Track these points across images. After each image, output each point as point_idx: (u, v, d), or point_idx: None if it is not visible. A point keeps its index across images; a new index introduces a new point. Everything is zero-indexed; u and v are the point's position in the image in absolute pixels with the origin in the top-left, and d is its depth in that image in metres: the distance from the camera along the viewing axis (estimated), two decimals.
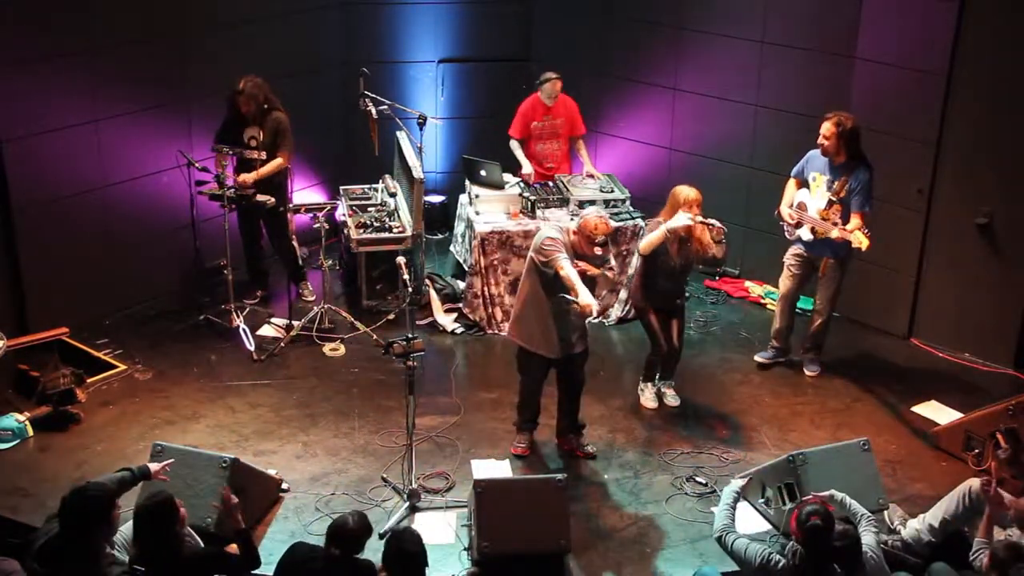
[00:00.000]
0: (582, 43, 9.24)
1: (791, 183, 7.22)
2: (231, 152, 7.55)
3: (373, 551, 5.48)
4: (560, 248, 5.96)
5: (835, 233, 6.80)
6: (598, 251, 6.05)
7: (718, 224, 6.53)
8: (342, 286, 8.50)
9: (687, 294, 6.96)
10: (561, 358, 6.27)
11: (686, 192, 6.55)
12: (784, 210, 7.19)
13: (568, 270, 5.86)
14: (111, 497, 4.56)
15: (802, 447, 6.05)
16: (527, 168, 8.44)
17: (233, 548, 5.32)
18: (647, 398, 7.03)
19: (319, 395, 7.03)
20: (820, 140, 6.90)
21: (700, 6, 8.58)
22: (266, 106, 7.67)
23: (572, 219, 7.32)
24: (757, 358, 7.51)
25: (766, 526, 5.80)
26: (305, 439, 6.56)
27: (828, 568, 4.67)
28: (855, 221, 6.82)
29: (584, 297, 5.81)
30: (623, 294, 8.07)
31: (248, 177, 7.61)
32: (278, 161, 7.77)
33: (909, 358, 7.73)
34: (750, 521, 5.90)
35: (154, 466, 5.16)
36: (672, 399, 7.05)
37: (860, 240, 6.70)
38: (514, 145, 8.49)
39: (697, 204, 6.52)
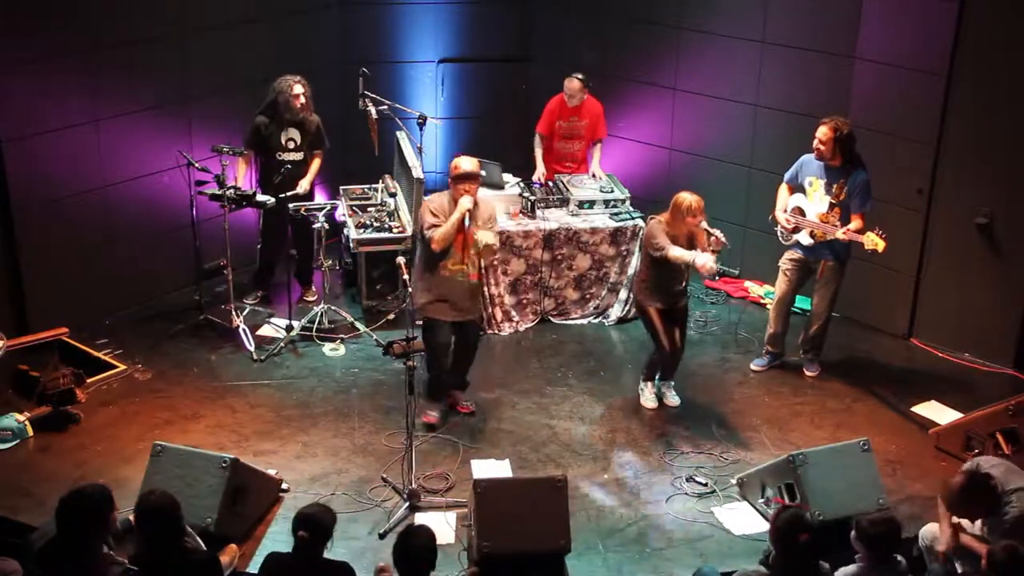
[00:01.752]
0: (582, 43, 9.23)
1: (783, 188, 7.21)
2: (232, 152, 7.54)
3: (374, 551, 5.51)
4: (428, 213, 6.41)
5: (840, 234, 6.78)
6: (462, 188, 6.35)
7: (719, 236, 6.41)
8: (342, 286, 8.50)
9: (688, 292, 6.94)
10: (457, 324, 6.59)
11: (688, 201, 6.47)
12: (780, 215, 7.18)
13: (439, 232, 6.32)
14: (109, 497, 4.56)
15: (802, 447, 6.05)
16: (539, 172, 8.45)
17: (232, 548, 5.34)
18: (647, 398, 7.03)
19: (319, 395, 7.03)
20: (816, 144, 6.89)
21: (700, 6, 8.58)
22: None
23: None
24: (753, 366, 7.49)
25: (766, 526, 5.79)
26: (305, 439, 6.56)
27: (806, 566, 4.68)
28: (856, 223, 6.82)
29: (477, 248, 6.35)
30: (623, 294, 8.07)
31: (305, 184, 7.74)
32: (319, 161, 7.93)
33: (909, 358, 7.73)
34: (750, 521, 5.90)
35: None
36: (672, 399, 7.05)
37: (875, 242, 6.65)
38: (536, 142, 8.53)
39: (700, 211, 6.49)
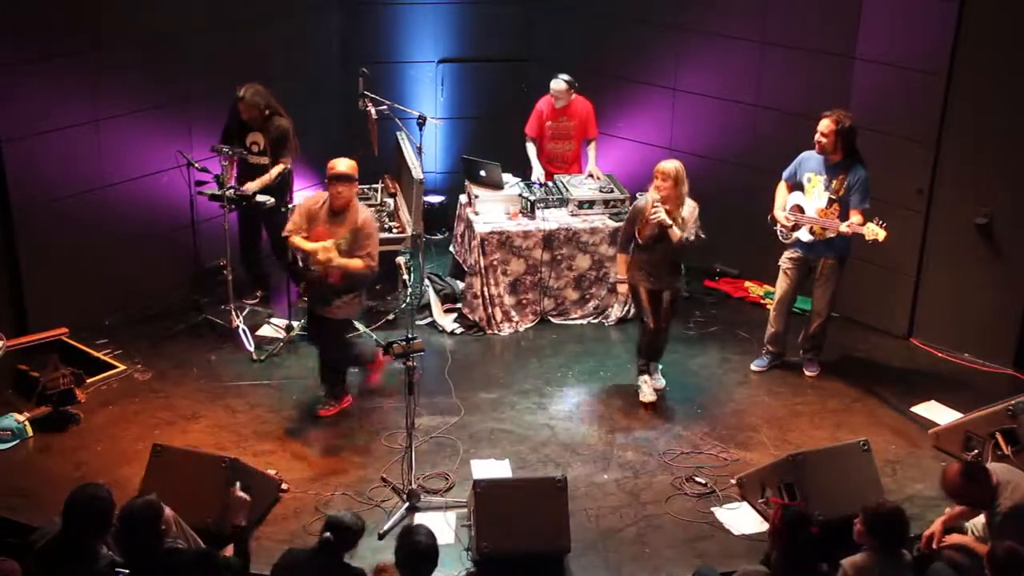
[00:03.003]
0: (582, 43, 9.23)
1: (782, 186, 7.20)
2: (231, 152, 7.55)
3: (373, 551, 5.51)
4: (294, 217, 6.58)
5: (843, 227, 6.77)
6: (334, 190, 6.39)
7: (657, 215, 6.60)
8: None
9: (683, 290, 6.94)
10: (316, 316, 6.67)
11: (658, 166, 6.72)
12: (778, 213, 7.17)
13: (293, 239, 6.49)
14: (112, 499, 4.57)
15: (802, 447, 6.06)
16: (536, 173, 8.46)
17: (230, 550, 5.33)
18: (645, 393, 7.02)
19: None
20: (818, 138, 6.87)
21: (700, 6, 8.57)
22: (267, 112, 7.67)
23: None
24: (753, 367, 7.47)
25: (766, 526, 5.79)
26: (305, 439, 6.56)
27: (810, 565, 4.67)
28: (856, 218, 6.81)
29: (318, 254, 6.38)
30: (623, 290, 8.06)
31: (251, 186, 7.67)
32: (279, 168, 7.78)
33: (909, 358, 7.72)
34: (750, 521, 5.89)
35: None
36: (658, 381, 7.12)
37: (876, 232, 6.64)
38: (529, 147, 8.52)
39: (661, 176, 6.64)
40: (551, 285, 8.02)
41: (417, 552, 4.57)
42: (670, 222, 6.60)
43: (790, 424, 6.85)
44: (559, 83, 8.27)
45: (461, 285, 8.16)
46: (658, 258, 6.79)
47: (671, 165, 6.68)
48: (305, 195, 7.87)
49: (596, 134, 8.56)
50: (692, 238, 6.70)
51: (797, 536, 4.59)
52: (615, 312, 8.12)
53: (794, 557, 4.63)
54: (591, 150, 8.55)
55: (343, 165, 6.44)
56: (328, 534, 4.66)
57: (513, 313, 7.97)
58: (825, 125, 6.83)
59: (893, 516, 4.70)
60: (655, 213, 6.60)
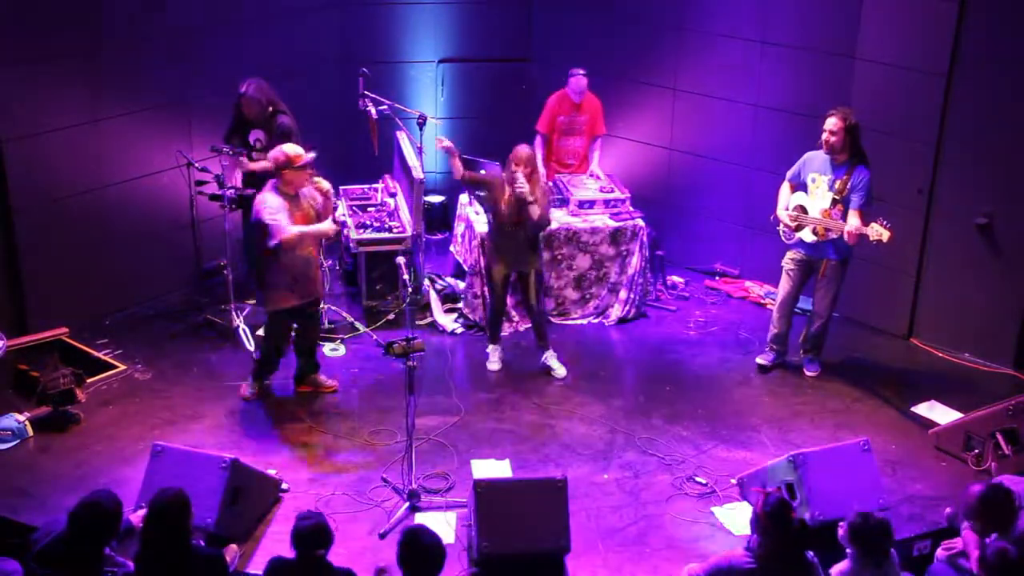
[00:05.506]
0: (582, 43, 9.23)
1: (785, 186, 7.20)
2: (230, 153, 7.55)
3: (373, 551, 5.51)
4: (276, 213, 6.37)
5: (848, 230, 6.76)
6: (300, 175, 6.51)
7: (520, 187, 6.86)
8: (342, 286, 8.50)
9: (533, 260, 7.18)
10: (304, 307, 6.73)
11: (516, 151, 6.97)
12: (782, 213, 7.17)
13: (292, 231, 6.37)
14: (121, 506, 4.58)
15: (802, 447, 6.05)
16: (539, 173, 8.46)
17: (233, 548, 5.34)
18: (492, 361, 7.37)
19: (319, 395, 7.03)
20: (826, 137, 6.85)
21: (700, 6, 8.58)
22: (270, 109, 7.67)
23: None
24: (759, 360, 7.48)
25: None
26: (305, 439, 6.56)
27: (795, 552, 4.67)
28: (854, 219, 6.80)
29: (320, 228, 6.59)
30: (623, 294, 8.07)
31: (253, 165, 7.65)
32: None
33: (909, 358, 7.72)
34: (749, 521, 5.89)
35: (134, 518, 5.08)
36: (559, 370, 7.28)
37: (880, 232, 6.64)
38: (536, 142, 8.51)
39: (524, 163, 6.91)
40: (551, 285, 8.02)
41: (425, 555, 4.55)
42: (532, 197, 6.88)
43: (790, 424, 6.85)
44: (582, 80, 8.29)
45: (461, 285, 8.16)
46: (520, 241, 7.10)
47: (525, 151, 6.99)
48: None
49: (604, 131, 8.58)
50: (549, 217, 7.05)
51: (779, 523, 4.58)
52: (615, 312, 8.10)
53: (774, 544, 4.62)
54: (595, 148, 8.56)
55: (294, 149, 6.55)
56: (321, 551, 4.61)
57: (513, 313, 7.97)
58: (833, 123, 6.82)
59: (875, 530, 4.68)
60: (520, 186, 6.85)
